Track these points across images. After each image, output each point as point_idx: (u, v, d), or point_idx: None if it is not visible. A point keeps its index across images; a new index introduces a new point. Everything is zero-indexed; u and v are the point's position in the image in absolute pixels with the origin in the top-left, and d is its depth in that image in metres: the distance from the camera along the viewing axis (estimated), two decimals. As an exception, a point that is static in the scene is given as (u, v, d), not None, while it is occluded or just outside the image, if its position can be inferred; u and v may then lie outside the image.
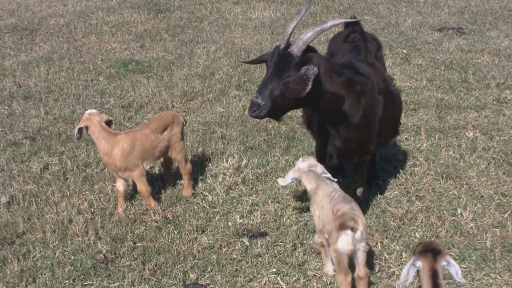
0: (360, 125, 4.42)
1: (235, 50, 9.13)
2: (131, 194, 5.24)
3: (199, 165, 5.73)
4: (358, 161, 4.69)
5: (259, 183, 5.44)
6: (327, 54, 5.16)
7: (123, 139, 4.82)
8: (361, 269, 3.86)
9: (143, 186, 4.92)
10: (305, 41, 4.14)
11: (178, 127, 5.15)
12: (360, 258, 3.82)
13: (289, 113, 6.74)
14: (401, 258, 4.37)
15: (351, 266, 3.88)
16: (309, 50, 4.21)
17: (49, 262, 4.36)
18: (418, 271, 3.42)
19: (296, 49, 4.13)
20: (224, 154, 5.92)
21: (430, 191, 5.27)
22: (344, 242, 3.77)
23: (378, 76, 4.63)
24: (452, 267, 3.41)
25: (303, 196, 5.18)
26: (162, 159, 5.23)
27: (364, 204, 4.77)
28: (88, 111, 4.95)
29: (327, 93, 4.23)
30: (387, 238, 4.60)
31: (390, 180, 5.42)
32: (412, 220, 4.85)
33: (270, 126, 6.53)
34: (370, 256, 4.38)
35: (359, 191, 4.81)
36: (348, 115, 4.36)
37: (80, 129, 4.80)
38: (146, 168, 4.99)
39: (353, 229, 3.73)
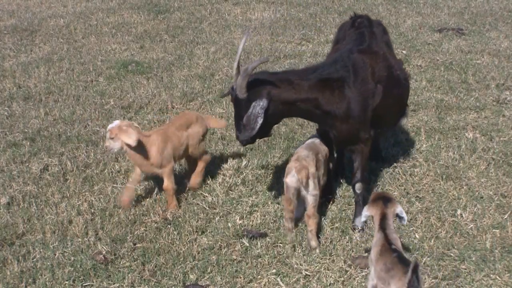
0: (346, 117, 4.63)
1: (235, 51, 9.13)
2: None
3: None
4: (354, 150, 4.84)
5: (259, 184, 5.45)
6: (334, 41, 5.63)
7: (157, 138, 4.93)
8: (309, 209, 4.52)
9: (170, 184, 5.01)
10: (241, 85, 4.47)
11: (201, 128, 5.23)
12: (308, 201, 4.52)
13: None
14: (401, 259, 4.37)
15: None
16: (256, 82, 4.52)
17: (49, 263, 4.36)
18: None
19: (239, 94, 4.50)
20: (224, 155, 5.93)
21: (429, 192, 5.27)
22: (289, 180, 4.50)
23: (380, 65, 4.81)
24: (403, 213, 3.94)
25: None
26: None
27: (361, 203, 4.76)
28: (115, 123, 4.81)
29: (297, 102, 4.58)
30: (387, 239, 4.60)
31: (390, 181, 5.42)
32: (411, 221, 4.85)
33: (270, 127, 6.53)
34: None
35: (357, 186, 4.84)
36: (330, 111, 4.62)
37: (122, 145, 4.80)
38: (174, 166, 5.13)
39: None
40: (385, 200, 3.94)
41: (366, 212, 3.97)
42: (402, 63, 5.32)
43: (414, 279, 3.30)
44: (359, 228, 4.72)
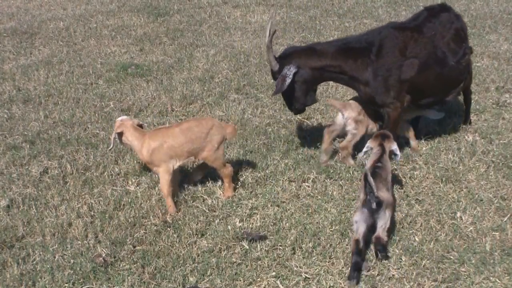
0: (368, 82, 5.50)
1: (235, 54, 9.15)
2: (130, 197, 5.24)
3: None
4: (383, 113, 5.61)
5: (258, 186, 5.45)
6: None
7: (151, 137, 5.03)
8: (345, 142, 5.74)
9: (164, 184, 5.03)
10: (269, 59, 5.53)
11: (217, 136, 5.13)
12: (347, 136, 5.75)
13: (288, 117, 6.75)
14: (400, 261, 4.37)
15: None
16: (284, 55, 5.60)
17: (48, 266, 4.36)
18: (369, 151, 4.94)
19: (273, 67, 5.56)
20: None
21: (429, 194, 5.28)
22: (338, 118, 5.79)
23: (419, 42, 5.56)
24: (397, 150, 4.91)
25: (302, 199, 5.20)
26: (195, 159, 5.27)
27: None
28: (119, 118, 5.26)
29: (323, 67, 5.53)
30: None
31: (390, 184, 5.42)
32: (411, 223, 4.85)
33: (270, 129, 6.53)
34: (370, 260, 4.40)
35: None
36: (354, 76, 5.54)
37: (116, 136, 5.07)
38: (175, 166, 5.09)
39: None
40: (384, 136, 4.94)
41: (368, 144, 4.96)
42: (467, 50, 5.87)
43: (368, 187, 4.33)
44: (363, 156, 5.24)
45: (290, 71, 5.44)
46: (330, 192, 5.31)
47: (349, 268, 4.23)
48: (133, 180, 5.53)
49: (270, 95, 5.81)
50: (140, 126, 5.27)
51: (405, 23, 5.93)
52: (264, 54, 9.11)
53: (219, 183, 5.45)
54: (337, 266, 4.35)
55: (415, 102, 5.73)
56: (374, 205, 4.34)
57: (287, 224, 4.86)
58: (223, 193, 5.30)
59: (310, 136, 6.37)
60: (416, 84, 5.55)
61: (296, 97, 5.64)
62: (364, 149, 5.00)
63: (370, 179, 4.32)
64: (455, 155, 5.85)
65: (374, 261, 4.39)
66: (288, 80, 5.43)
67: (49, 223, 4.88)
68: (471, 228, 4.77)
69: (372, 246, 4.50)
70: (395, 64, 5.46)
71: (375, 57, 5.45)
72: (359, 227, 4.38)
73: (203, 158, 5.19)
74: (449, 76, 5.72)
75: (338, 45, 5.62)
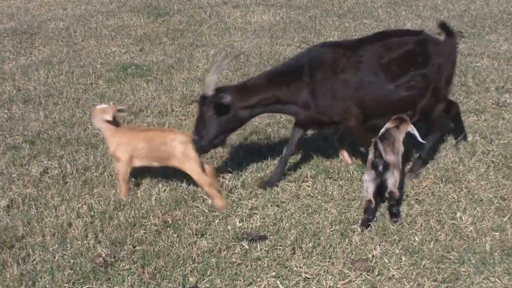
0: (311, 103, 5.28)
1: (235, 54, 9.14)
2: (130, 197, 5.23)
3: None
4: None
5: (258, 186, 5.44)
6: None
7: (121, 132, 5.28)
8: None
9: (121, 173, 5.25)
10: (210, 81, 5.21)
11: (179, 148, 5.13)
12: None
13: (288, 117, 6.74)
14: (400, 261, 4.37)
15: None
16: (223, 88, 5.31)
17: (48, 266, 4.36)
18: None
19: (207, 90, 5.17)
20: (223, 158, 5.93)
21: (429, 194, 5.27)
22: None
23: (351, 61, 5.29)
24: (414, 131, 5.13)
25: (302, 199, 5.20)
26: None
27: None
28: (99, 106, 5.41)
29: (259, 102, 5.29)
30: (386, 241, 4.61)
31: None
32: (411, 223, 4.85)
33: (270, 130, 6.53)
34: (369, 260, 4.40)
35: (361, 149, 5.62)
36: (291, 101, 5.32)
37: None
38: (136, 164, 5.27)
39: None
40: (401, 119, 5.15)
41: (387, 124, 5.11)
42: (417, 77, 5.37)
43: (377, 151, 4.74)
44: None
45: (225, 99, 5.11)
46: (330, 192, 5.31)
47: (361, 221, 4.81)
48: (133, 180, 5.53)
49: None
50: (121, 110, 5.55)
51: (339, 41, 5.92)
52: (264, 54, 9.11)
53: (219, 182, 5.45)
54: (337, 266, 4.34)
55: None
56: (381, 168, 4.77)
57: (287, 224, 4.86)
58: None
59: (310, 136, 6.37)
60: (356, 102, 5.30)
61: (213, 134, 5.19)
62: (383, 130, 5.09)
63: (379, 145, 4.74)
64: (455, 155, 5.85)
65: (374, 261, 4.39)
66: (220, 105, 5.12)
67: (49, 223, 4.88)
68: (471, 228, 4.77)
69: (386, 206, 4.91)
70: (331, 81, 5.25)
71: (308, 78, 5.24)
72: (369, 187, 4.85)
73: (175, 166, 5.24)
74: (388, 100, 5.34)
75: (268, 75, 5.42)
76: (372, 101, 5.33)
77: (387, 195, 4.89)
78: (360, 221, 4.83)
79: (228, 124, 5.25)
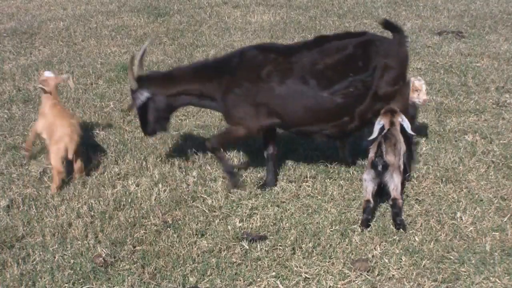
0: (223, 99, 5.36)
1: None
2: (130, 197, 5.24)
3: (199, 168, 5.74)
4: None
5: (258, 188, 5.44)
6: None
7: (51, 110, 5.63)
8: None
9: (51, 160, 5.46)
10: (129, 77, 5.47)
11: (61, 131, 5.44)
12: None
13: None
14: (400, 261, 4.37)
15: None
16: (144, 78, 5.51)
17: (48, 266, 4.36)
18: (383, 128, 4.97)
19: (131, 86, 5.47)
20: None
21: (429, 194, 5.28)
22: None
23: (281, 66, 5.21)
24: (404, 122, 5.05)
25: (302, 199, 5.20)
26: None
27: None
28: (46, 73, 5.83)
29: (182, 92, 5.47)
30: (386, 241, 4.61)
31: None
32: (411, 223, 4.85)
33: (270, 129, 6.53)
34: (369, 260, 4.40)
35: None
36: (211, 96, 5.43)
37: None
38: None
39: None
40: (392, 111, 5.08)
41: (380, 121, 5.02)
42: (356, 83, 5.19)
43: (379, 151, 4.74)
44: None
45: (142, 96, 5.40)
46: (330, 192, 5.31)
47: (361, 221, 4.82)
48: (133, 180, 5.53)
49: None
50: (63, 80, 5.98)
51: (278, 45, 5.91)
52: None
53: (219, 183, 5.45)
54: (337, 266, 4.34)
55: (286, 128, 5.53)
56: (380, 168, 4.76)
57: (287, 224, 4.86)
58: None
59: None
60: (276, 110, 5.22)
61: (148, 121, 5.56)
62: (378, 126, 4.99)
63: (383, 145, 4.76)
64: (455, 155, 5.86)
65: (374, 261, 4.39)
66: (139, 103, 5.44)
67: (49, 223, 4.88)
68: (471, 228, 4.77)
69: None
70: (250, 84, 5.22)
71: (230, 76, 5.28)
72: (368, 186, 4.85)
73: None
74: (320, 108, 5.18)
75: (196, 67, 5.63)
76: (299, 110, 5.19)
77: (390, 202, 4.88)
78: (360, 221, 4.83)
79: (156, 112, 5.52)
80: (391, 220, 4.86)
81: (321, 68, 5.16)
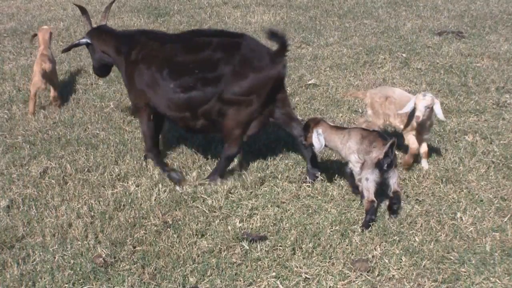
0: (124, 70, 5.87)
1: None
2: (130, 197, 5.24)
3: (199, 168, 5.74)
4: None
5: (258, 187, 5.44)
6: None
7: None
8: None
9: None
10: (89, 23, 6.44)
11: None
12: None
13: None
14: (400, 262, 4.37)
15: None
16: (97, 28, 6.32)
17: (48, 266, 4.36)
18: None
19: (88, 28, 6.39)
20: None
21: (429, 195, 5.28)
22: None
23: (155, 52, 5.57)
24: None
25: (302, 199, 5.20)
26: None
27: None
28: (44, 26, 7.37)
29: (104, 52, 6.12)
30: (386, 242, 4.61)
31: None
32: (411, 224, 4.85)
33: (270, 130, 6.53)
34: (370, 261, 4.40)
35: None
36: (117, 65, 6.09)
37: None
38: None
39: None
40: (315, 120, 5.23)
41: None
42: (196, 82, 5.29)
43: (390, 150, 4.72)
44: None
45: (82, 40, 6.22)
46: (330, 193, 5.31)
47: (363, 222, 4.81)
48: (133, 181, 5.53)
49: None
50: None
51: (159, 32, 6.35)
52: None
53: (219, 183, 5.45)
54: (337, 267, 4.34)
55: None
56: (385, 166, 4.79)
57: (287, 224, 4.86)
58: None
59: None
60: (146, 93, 5.57)
61: (93, 65, 6.47)
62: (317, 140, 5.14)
63: (394, 146, 4.80)
64: (455, 156, 5.85)
65: (374, 261, 4.39)
66: (75, 43, 6.36)
67: (49, 223, 4.88)
68: (471, 228, 4.77)
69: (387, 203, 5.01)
70: (132, 67, 5.64)
71: (125, 56, 5.76)
72: (372, 187, 4.84)
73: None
74: (168, 98, 5.41)
75: (117, 36, 6.04)
76: (156, 97, 5.51)
77: (391, 194, 4.92)
78: (361, 222, 4.84)
79: (94, 60, 6.34)
80: (389, 210, 4.95)
81: (177, 60, 5.38)
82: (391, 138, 4.79)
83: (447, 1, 12.44)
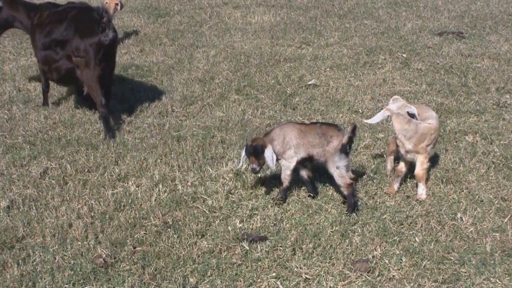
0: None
1: (235, 55, 9.15)
2: (131, 197, 5.23)
3: (199, 169, 5.74)
4: None
5: (258, 187, 5.44)
6: None
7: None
8: None
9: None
10: None
11: None
12: None
13: (288, 118, 6.74)
14: (401, 262, 4.37)
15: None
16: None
17: (49, 267, 4.36)
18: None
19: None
20: (224, 159, 5.93)
21: (430, 195, 5.27)
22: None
23: (52, 18, 6.84)
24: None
25: (303, 200, 5.20)
26: None
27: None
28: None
29: (13, 16, 7.27)
30: (386, 242, 4.60)
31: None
32: (412, 224, 4.85)
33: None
34: (370, 261, 4.39)
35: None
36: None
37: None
38: None
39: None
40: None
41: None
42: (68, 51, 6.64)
43: (353, 135, 4.91)
44: None
45: None
46: (330, 193, 5.31)
47: (349, 207, 5.03)
48: (133, 181, 5.53)
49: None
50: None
51: (53, 4, 7.12)
52: (265, 54, 9.11)
53: (219, 183, 5.45)
54: (337, 267, 4.34)
55: None
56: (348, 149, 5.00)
57: (288, 225, 4.86)
58: None
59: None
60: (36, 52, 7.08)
61: None
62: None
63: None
64: (455, 156, 5.85)
65: (374, 262, 4.39)
66: None
67: (49, 224, 4.88)
68: (472, 229, 4.77)
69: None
70: (40, 28, 6.82)
71: (35, 20, 6.93)
72: (344, 172, 5.02)
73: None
74: (38, 51, 6.94)
75: (25, 4, 7.20)
76: (37, 53, 7.04)
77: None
78: (346, 208, 5.04)
79: (3, 22, 7.32)
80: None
81: (46, 24, 6.79)
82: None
83: (447, 1, 12.45)
